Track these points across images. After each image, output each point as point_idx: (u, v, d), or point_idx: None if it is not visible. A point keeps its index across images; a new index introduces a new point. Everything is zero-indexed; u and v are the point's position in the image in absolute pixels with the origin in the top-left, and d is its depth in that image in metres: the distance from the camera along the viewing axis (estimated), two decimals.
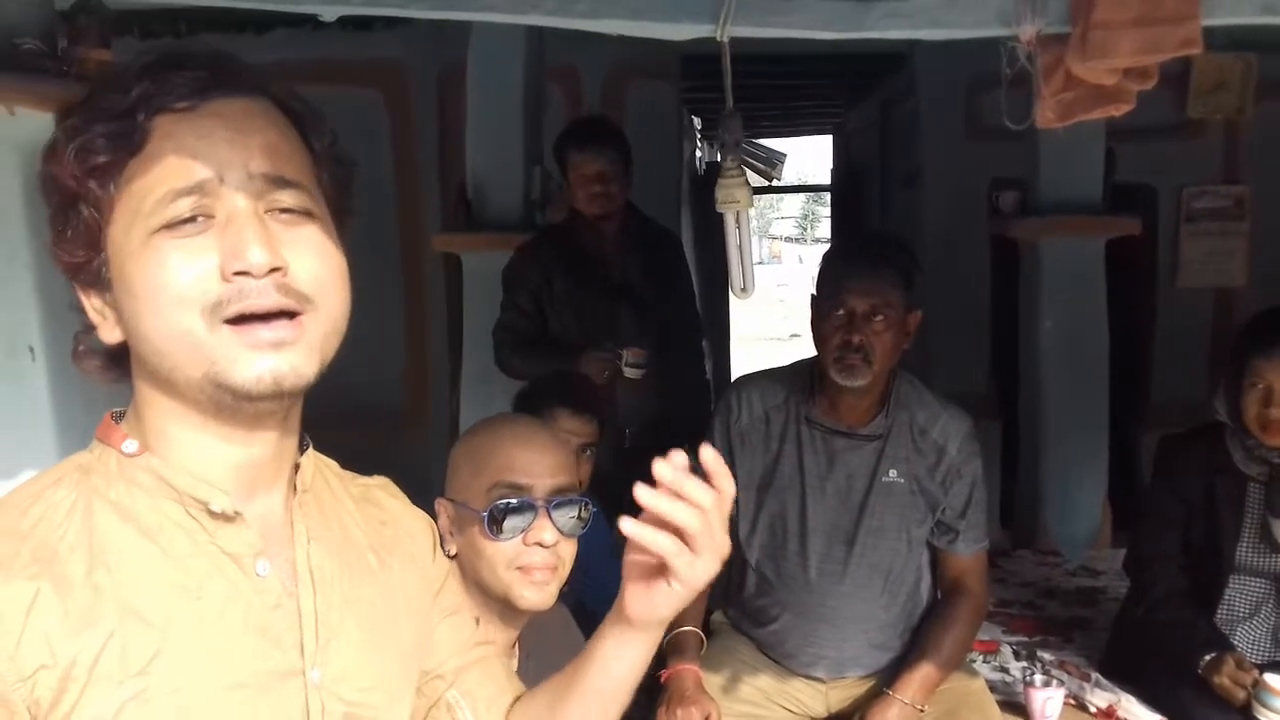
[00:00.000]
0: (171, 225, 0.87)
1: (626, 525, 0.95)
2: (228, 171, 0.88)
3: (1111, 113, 1.62)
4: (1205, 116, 5.46)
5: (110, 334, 0.93)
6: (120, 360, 0.97)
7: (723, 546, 0.98)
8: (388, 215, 5.49)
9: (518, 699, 1.23)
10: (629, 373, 3.22)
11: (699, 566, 0.97)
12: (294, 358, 0.90)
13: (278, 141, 0.92)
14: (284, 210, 0.91)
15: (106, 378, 0.98)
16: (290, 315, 0.89)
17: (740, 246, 1.73)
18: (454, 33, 4.16)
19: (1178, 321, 5.66)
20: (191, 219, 0.88)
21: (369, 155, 5.36)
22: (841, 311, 2.25)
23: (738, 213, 1.70)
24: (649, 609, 1.04)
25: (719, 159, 1.74)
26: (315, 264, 0.92)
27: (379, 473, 1.20)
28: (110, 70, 0.91)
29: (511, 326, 3.40)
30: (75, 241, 0.91)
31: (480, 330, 3.91)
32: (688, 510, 0.94)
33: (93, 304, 0.94)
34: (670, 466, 0.95)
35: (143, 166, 0.88)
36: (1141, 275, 5.75)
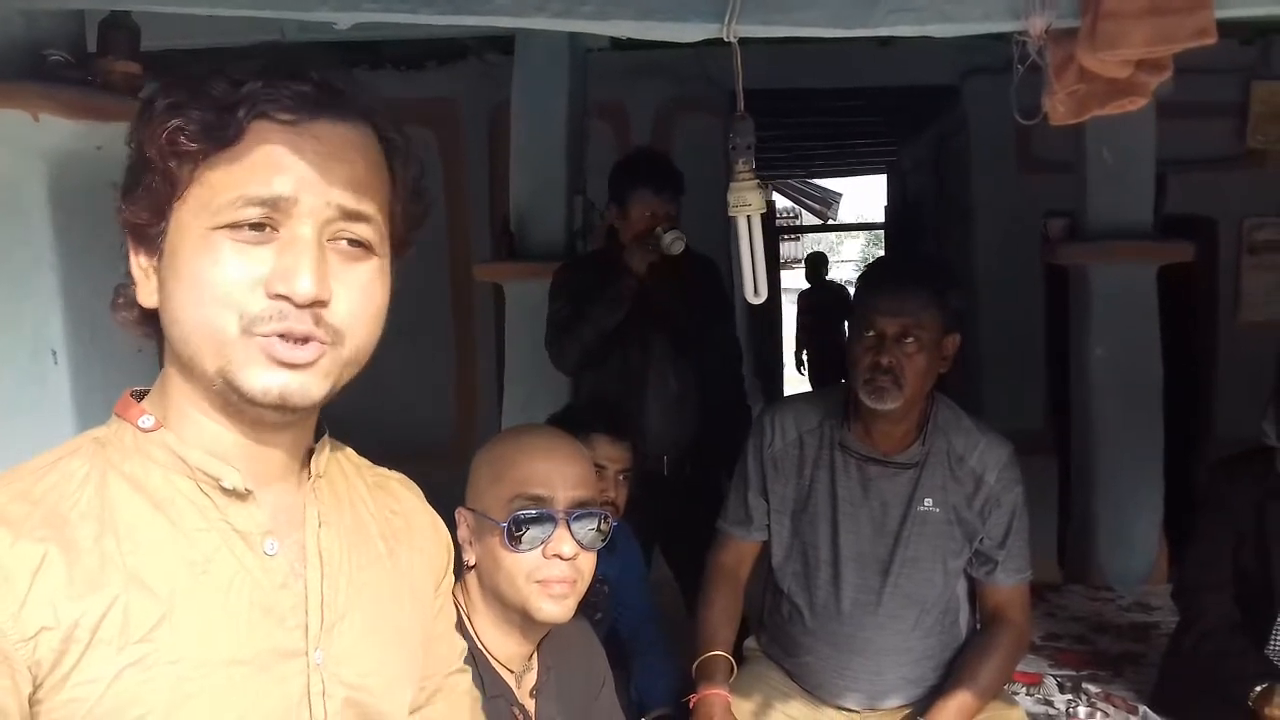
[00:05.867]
0: (236, 226, 0.90)
1: None
2: (306, 194, 0.91)
3: (1126, 107, 1.58)
4: (1266, 147, 5.35)
5: (148, 297, 0.96)
6: (154, 320, 0.98)
7: None
8: (438, 251, 5.57)
9: None
10: (672, 247, 3.15)
11: None
12: (305, 380, 0.92)
13: (365, 174, 0.95)
14: (349, 241, 0.94)
15: (138, 331, 1.00)
16: (316, 341, 0.92)
17: (753, 251, 1.72)
18: (504, 72, 4.24)
19: (1241, 356, 5.50)
20: (258, 227, 0.90)
21: None
22: (871, 333, 2.22)
23: (749, 217, 1.70)
24: None
25: (736, 164, 1.73)
26: (357, 302, 0.94)
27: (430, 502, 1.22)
28: (220, 65, 0.94)
29: (560, 317, 3.34)
30: (141, 204, 0.93)
31: (522, 360, 3.93)
32: None
33: (139, 262, 0.96)
34: None
35: (227, 161, 0.90)
36: (1201, 309, 5.63)
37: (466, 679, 1.27)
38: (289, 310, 0.89)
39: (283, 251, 0.90)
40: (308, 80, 0.93)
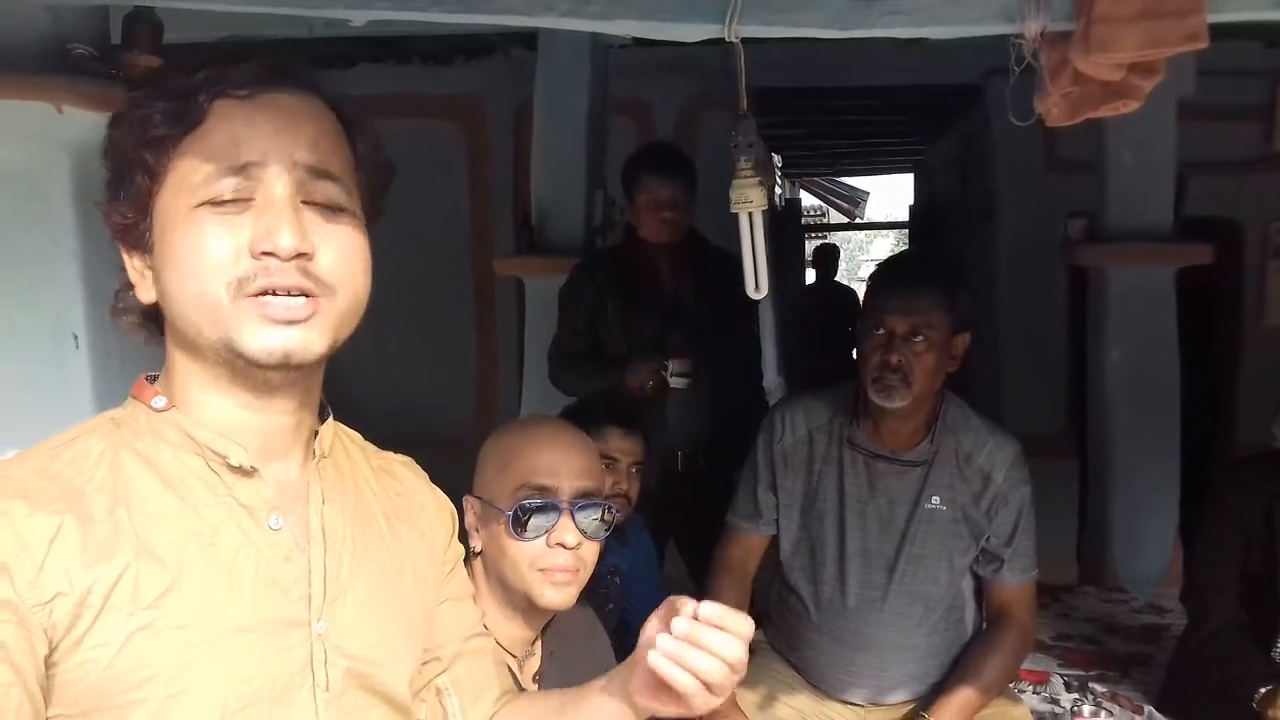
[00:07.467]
0: (214, 202, 0.94)
1: (655, 659, 0.98)
2: (272, 158, 0.96)
3: (1120, 109, 1.60)
4: None
5: (146, 294, 1.01)
6: (154, 319, 1.04)
7: (738, 677, 1.01)
8: (462, 244, 5.60)
9: (504, 693, 1.27)
10: (675, 382, 3.20)
11: (712, 700, 1.01)
12: (306, 334, 0.96)
13: (322, 137, 1.00)
14: (321, 202, 0.98)
15: (140, 334, 1.06)
16: (307, 295, 0.96)
17: (754, 247, 1.75)
18: (529, 67, 4.27)
19: (1264, 360, 5.45)
20: (233, 199, 0.95)
21: (446, 186, 5.50)
22: (881, 331, 2.23)
23: (751, 213, 1.72)
24: (652, 707, 1.08)
25: (738, 161, 1.76)
26: (339, 255, 0.99)
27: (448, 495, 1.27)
28: (176, 60, 1.02)
29: (563, 345, 3.42)
30: (126, 204, 0.99)
31: (541, 354, 3.95)
32: (713, 662, 0.97)
33: (134, 264, 1.02)
34: (686, 622, 0.98)
35: (196, 143, 0.96)
36: (1225, 312, 5.58)
37: (489, 642, 1.31)
38: (274, 265, 0.94)
39: (260, 214, 0.95)
40: (256, 59, 0.99)
